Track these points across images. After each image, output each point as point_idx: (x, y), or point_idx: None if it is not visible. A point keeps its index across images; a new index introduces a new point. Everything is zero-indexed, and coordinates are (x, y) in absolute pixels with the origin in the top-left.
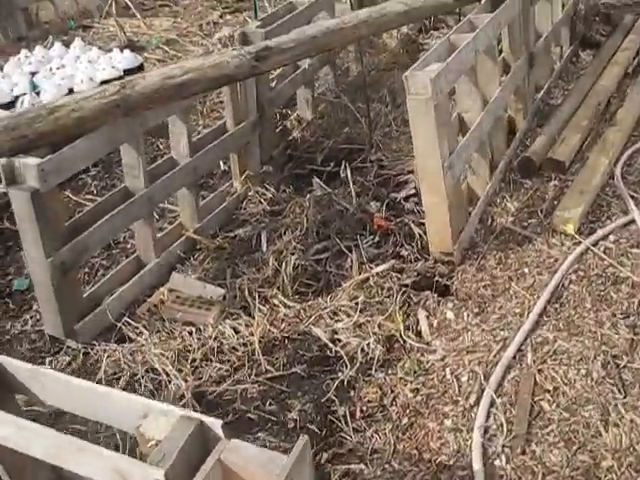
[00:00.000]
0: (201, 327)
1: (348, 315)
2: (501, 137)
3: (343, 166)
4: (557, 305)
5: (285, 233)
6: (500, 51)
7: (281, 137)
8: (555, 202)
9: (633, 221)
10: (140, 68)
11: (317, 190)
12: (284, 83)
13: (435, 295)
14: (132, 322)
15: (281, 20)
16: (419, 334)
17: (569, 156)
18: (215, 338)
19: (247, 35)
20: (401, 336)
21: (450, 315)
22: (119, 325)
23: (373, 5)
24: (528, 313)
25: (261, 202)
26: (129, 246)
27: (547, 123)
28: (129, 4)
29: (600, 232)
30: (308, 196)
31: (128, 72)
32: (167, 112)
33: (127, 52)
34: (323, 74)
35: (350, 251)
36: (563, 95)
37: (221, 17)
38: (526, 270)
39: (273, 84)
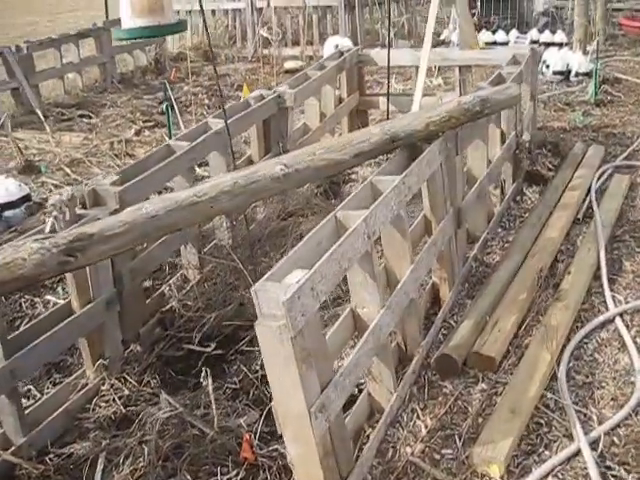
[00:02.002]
0: None
1: None
2: (415, 324)
3: (204, 373)
4: None
5: (126, 461)
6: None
7: (155, 308)
8: (480, 419)
9: (579, 452)
10: (25, 199)
11: (164, 408)
12: (155, 245)
13: None
14: None
15: (148, 172)
16: None
17: (501, 348)
18: None
19: (99, 194)
20: None
21: None
22: None
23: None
24: None
25: (115, 401)
26: None
27: (477, 297)
28: (39, 115)
29: (536, 474)
30: (157, 413)
31: (6, 206)
32: None
33: (10, 181)
34: (217, 225)
35: None
36: (502, 249)
37: (138, 134)
38: None
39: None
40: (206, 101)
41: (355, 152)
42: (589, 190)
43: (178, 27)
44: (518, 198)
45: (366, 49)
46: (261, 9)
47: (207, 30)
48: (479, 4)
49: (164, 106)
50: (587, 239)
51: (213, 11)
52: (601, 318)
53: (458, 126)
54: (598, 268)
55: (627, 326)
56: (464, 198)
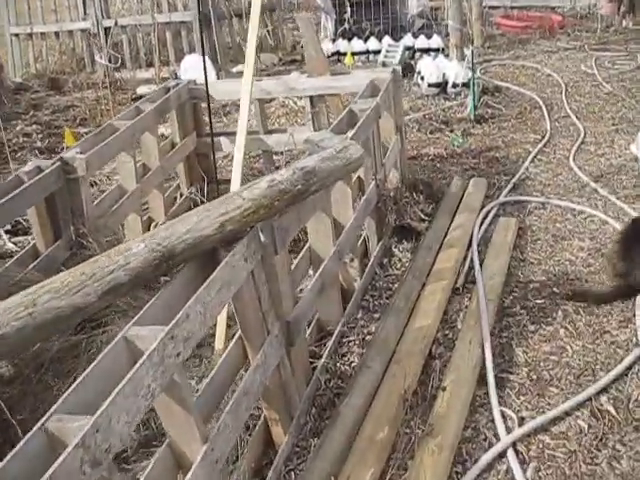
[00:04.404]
0: None
1: None
2: None
3: None
4: None
5: None
6: None
7: None
8: None
9: None
10: None
11: None
12: None
13: None
14: None
15: None
16: None
17: None
18: None
19: None
20: None
21: None
22: None
23: None
24: None
25: None
26: None
27: (321, 443)
28: None
29: None
30: None
31: None
32: None
33: None
34: None
35: None
36: (362, 345)
37: None
38: None
39: None
40: (38, 144)
41: (105, 289)
42: (470, 243)
43: None
44: (385, 261)
45: (195, 83)
46: (109, 29)
47: None
48: (349, 9)
49: None
50: (469, 321)
51: (57, 33)
52: (489, 456)
53: (274, 215)
54: (484, 365)
55: (522, 462)
56: (297, 303)
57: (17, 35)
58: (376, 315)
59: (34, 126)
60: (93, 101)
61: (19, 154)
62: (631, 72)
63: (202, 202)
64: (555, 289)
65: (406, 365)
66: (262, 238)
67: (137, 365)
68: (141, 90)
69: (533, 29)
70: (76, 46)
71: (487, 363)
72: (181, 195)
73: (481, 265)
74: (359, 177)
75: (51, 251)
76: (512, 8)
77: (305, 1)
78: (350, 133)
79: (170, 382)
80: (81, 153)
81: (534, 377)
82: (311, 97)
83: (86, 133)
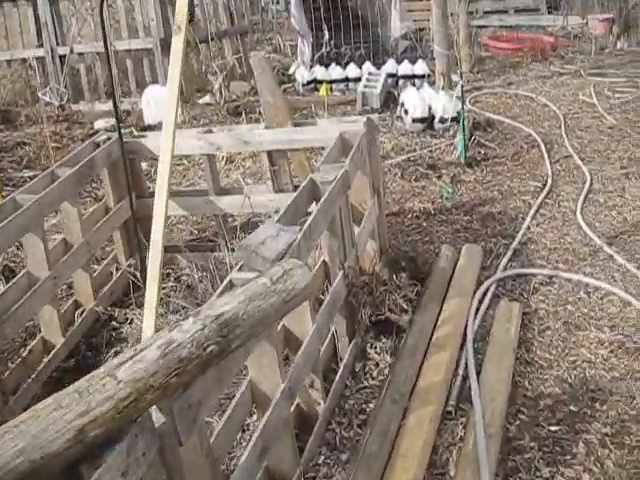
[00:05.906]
0: None
1: None
2: None
3: None
4: None
5: None
6: None
7: None
8: None
9: None
10: None
11: None
12: None
13: None
14: None
15: None
16: None
17: None
18: None
19: None
20: None
21: None
22: None
23: None
24: None
25: None
26: None
27: None
28: None
29: None
30: None
31: None
32: None
33: None
34: None
35: None
36: None
37: None
38: None
39: None
40: None
41: None
42: (464, 340)
43: None
44: (359, 367)
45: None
46: (64, 56)
47: None
48: (327, 32)
49: None
50: (464, 468)
51: (8, 62)
52: None
53: (173, 393)
54: None
55: None
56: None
57: None
58: (344, 456)
59: None
60: (43, 138)
61: None
62: (634, 102)
63: (141, 278)
64: (573, 407)
65: None
66: (156, 424)
67: None
68: (99, 124)
69: (524, 51)
70: (30, 76)
71: None
72: (117, 269)
73: (478, 374)
74: (324, 262)
75: None
76: (501, 27)
77: (282, 23)
78: (308, 220)
79: None
80: None
81: None
82: (269, 152)
83: (30, 178)
